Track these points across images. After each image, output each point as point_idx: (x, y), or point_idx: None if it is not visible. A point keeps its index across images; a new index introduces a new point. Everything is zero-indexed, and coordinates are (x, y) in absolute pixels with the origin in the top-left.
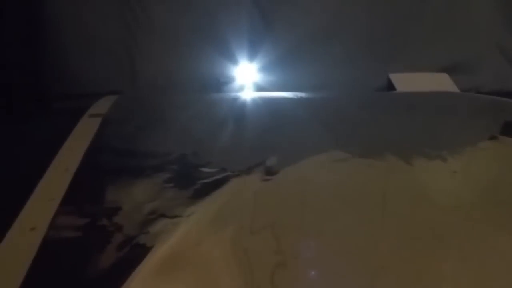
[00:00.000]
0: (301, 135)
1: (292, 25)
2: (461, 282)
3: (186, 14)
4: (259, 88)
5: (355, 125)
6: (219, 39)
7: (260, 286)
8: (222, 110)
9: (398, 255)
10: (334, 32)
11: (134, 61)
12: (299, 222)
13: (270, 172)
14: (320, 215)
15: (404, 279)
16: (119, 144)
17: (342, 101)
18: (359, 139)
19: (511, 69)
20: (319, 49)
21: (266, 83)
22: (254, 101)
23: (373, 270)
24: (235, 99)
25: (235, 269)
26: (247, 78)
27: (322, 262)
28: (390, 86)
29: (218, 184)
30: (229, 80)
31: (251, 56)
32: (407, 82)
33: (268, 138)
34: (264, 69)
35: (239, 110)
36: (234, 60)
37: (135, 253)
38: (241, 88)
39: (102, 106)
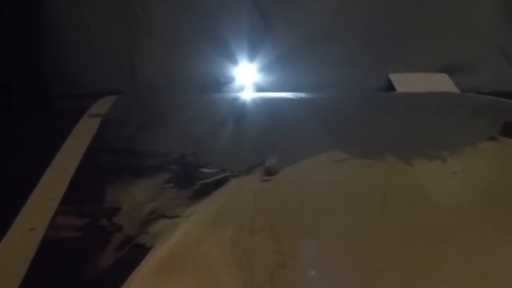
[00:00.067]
0: (301, 135)
1: (292, 25)
2: (461, 282)
3: (186, 14)
4: (259, 89)
5: (355, 125)
6: (219, 39)
7: (260, 286)
8: (222, 110)
9: (398, 255)
10: (334, 32)
11: (134, 61)
12: (299, 222)
13: (270, 172)
14: (320, 215)
15: (404, 279)
16: (119, 144)
17: (342, 101)
18: (359, 139)
19: (511, 69)
20: (319, 49)
21: (266, 83)
22: (254, 101)
23: (373, 270)
24: (235, 99)
25: (235, 269)
26: (247, 78)
27: (322, 262)
28: (390, 86)
29: (218, 184)
30: (229, 80)
31: (251, 56)
32: (407, 82)
33: (268, 138)
34: (264, 69)
35: (239, 110)
36: (234, 60)
37: (135, 253)
38: (241, 88)
39: (102, 106)
